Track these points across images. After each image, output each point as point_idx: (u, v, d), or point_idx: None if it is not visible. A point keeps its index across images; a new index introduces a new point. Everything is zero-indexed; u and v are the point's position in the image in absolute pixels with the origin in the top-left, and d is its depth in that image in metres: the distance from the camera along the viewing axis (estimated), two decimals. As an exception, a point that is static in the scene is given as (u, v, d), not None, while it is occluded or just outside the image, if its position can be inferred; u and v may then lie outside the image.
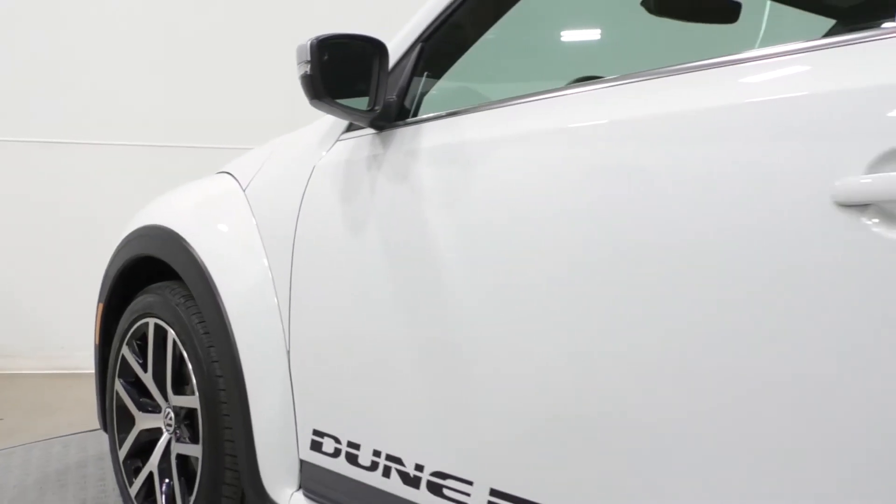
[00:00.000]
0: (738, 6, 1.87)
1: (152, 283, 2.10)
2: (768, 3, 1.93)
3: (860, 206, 0.87)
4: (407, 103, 1.59)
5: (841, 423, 0.88)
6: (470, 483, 1.31)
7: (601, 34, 1.87)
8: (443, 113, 1.50)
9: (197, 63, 4.57)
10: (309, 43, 1.40)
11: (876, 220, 0.86)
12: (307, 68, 1.40)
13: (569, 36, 1.87)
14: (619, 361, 1.10)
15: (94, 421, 2.36)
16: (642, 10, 1.80)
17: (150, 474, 2.04)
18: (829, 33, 1.86)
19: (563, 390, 1.18)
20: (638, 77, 1.18)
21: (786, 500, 0.93)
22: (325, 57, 1.42)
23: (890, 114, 0.87)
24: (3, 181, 4.54)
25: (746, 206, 0.96)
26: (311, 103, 1.44)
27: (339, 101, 1.46)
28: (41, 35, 4.50)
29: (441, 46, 1.59)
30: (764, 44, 1.99)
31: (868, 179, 0.87)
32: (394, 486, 1.45)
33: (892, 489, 0.85)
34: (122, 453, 2.15)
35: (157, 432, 2.04)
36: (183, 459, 1.95)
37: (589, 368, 1.15)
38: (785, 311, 0.92)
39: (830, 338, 0.89)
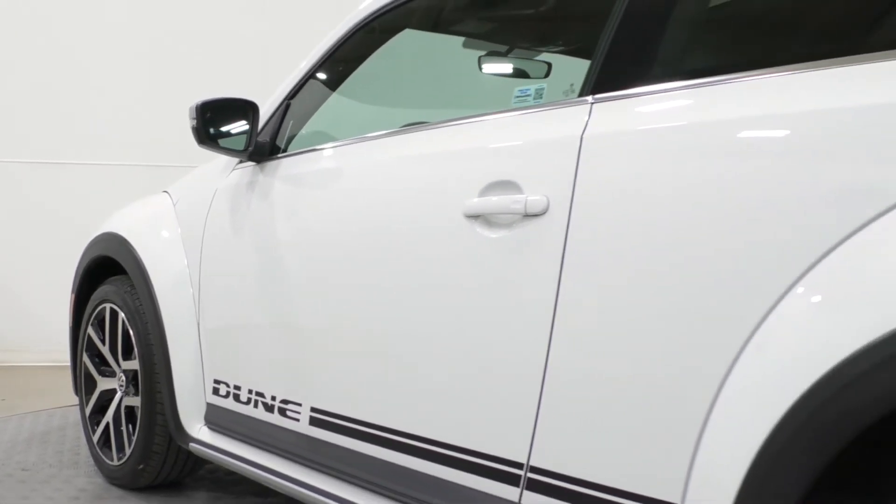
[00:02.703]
0: (549, 65, 2.47)
1: (110, 276, 2.73)
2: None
3: (474, 216, 1.49)
4: (279, 143, 2.21)
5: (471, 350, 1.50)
6: (300, 404, 1.93)
7: (426, 90, 2.49)
8: (300, 150, 2.12)
9: (180, 89, 5.18)
10: (194, 105, 2.03)
11: (480, 225, 1.48)
12: (194, 122, 2.03)
13: (403, 90, 2.50)
14: (386, 325, 1.71)
15: (76, 398, 2.96)
16: (474, 67, 2.40)
17: (108, 424, 2.66)
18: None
19: (354, 347, 1.79)
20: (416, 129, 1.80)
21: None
22: (208, 114, 2.05)
23: (485, 164, 1.49)
24: (7, 197, 5.21)
25: (420, 216, 1.58)
26: (199, 146, 2.07)
27: (219, 143, 2.09)
28: (37, 66, 5.17)
29: (303, 102, 2.21)
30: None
31: (479, 200, 1.48)
32: (259, 413, 2.07)
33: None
34: (88, 410, 2.78)
35: (112, 392, 2.67)
36: (130, 410, 2.57)
37: (371, 331, 1.75)
38: (430, 277, 1.54)
39: (455, 297, 1.51)
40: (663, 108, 1.30)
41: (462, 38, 2.20)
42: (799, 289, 1.05)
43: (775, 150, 1.14)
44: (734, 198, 1.15)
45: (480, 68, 2.38)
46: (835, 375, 0.97)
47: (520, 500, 1.41)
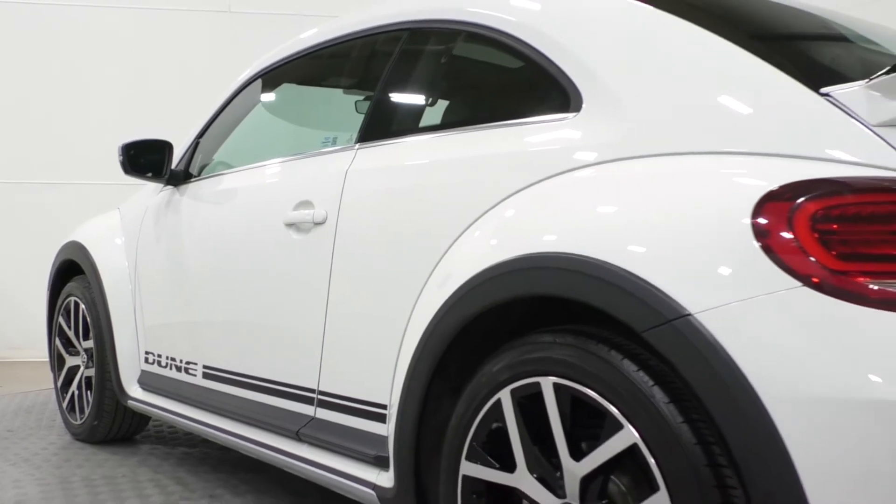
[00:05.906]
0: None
1: (75, 276, 3.44)
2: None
3: (290, 224, 2.18)
4: (192, 170, 2.92)
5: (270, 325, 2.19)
6: (196, 364, 2.63)
7: (295, 128, 3.24)
8: (202, 177, 2.83)
9: (166, 116, 5.89)
10: (119, 145, 2.74)
11: (292, 230, 2.17)
12: (120, 158, 2.75)
13: (279, 129, 3.23)
14: (237, 302, 2.41)
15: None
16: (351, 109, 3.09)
17: (73, 393, 3.37)
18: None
19: (222, 318, 2.49)
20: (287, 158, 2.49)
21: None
22: (132, 151, 2.77)
23: (297, 188, 2.19)
24: (10, 214, 5.98)
25: (259, 225, 2.28)
26: (125, 175, 2.79)
27: (143, 172, 2.80)
28: (35, 96, 5.93)
29: (208, 139, 2.92)
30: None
31: (292, 213, 2.18)
32: (173, 373, 2.77)
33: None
34: (59, 382, 3.50)
35: (77, 368, 3.38)
36: (88, 380, 3.28)
37: (230, 307, 2.46)
38: (262, 270, 2.24)
39: (277, 282, 2.20)
40: (392, 152, 2.00)
41: (322, 89, 2.91)
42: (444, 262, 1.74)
43: (452, 169, 1.82)
44: (430, 199, 1.83)
45: (357, 109, 3.08)
46: (447, 301, 1.64)
47: (314, 414, 2.10)
